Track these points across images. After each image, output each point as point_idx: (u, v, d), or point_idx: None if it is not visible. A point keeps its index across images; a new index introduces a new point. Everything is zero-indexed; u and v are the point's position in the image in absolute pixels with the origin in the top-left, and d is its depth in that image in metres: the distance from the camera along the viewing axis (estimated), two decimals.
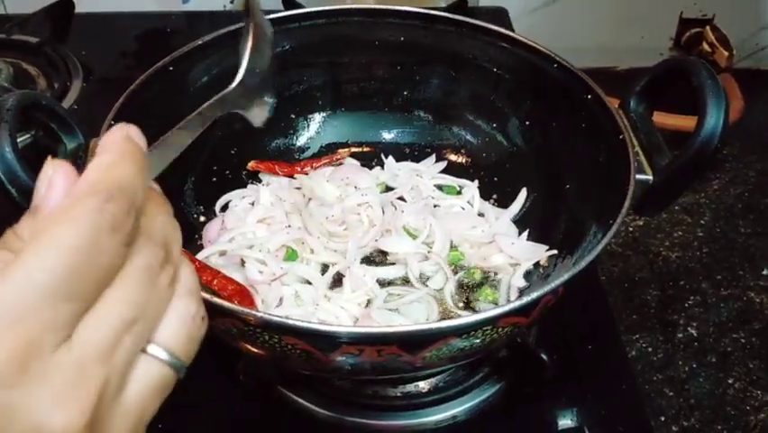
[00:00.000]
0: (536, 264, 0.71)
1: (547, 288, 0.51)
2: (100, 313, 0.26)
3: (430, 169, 0.83)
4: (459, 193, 0.80)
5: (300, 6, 0.90)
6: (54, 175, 0.27)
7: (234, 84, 0.43)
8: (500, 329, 0.52)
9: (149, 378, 0.27)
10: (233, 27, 0.74)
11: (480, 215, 0.78)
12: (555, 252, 0.70)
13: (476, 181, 0.81)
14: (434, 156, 0.84)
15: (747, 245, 0.93)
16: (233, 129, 0.79)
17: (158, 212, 0.30)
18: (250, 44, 0.45)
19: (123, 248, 0.26)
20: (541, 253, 0.71)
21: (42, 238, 0.25)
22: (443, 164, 0.83)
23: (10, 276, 0.24)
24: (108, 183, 0.27)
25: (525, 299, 0.50)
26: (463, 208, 0.79)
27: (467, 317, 0.49)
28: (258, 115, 0.48)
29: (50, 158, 0.28)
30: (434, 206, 0.78)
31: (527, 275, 0.71)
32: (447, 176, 0.82)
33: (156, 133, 0.68)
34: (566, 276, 0.51)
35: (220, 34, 0.74)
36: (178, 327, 0.29)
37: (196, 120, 0.38)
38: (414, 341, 0.50)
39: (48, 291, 0.24)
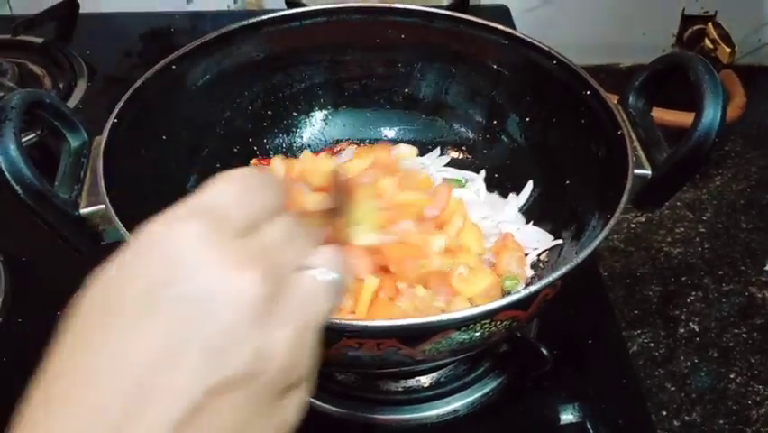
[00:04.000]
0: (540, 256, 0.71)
1: (545, 281, 0.51)
2: (267, 225, 0.32)
3: (435, 162, 0.83)
4: (463, 186, 0.81)
5: (302, 5, 0.90)
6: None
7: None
8: (499, 322, 0.52)
9: (316, 278, 0.32)
10: (236, 26, 0.75)
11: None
12: (561, 241, 0.70)
13: (482, 173, 0.81)
14: (438, 149, 0.84)
15: (749, 241, 0.93)
16: (236, 127, 0.80)
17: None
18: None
19: (280, 199, 0.33)
20: (547, 241, 0.71)
21: (231, 172, 0.33)
22: (446, 158, 0.84)
23: (212, 183, 0.32)
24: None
25: (524, 293, 0.51)
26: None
27: (465, 310, 0.49)
28: None
29: None
30: None
31: (533, 266, 0.71)
32: (452, 168, 0.83)
33: (158, 131, 0.70)
34: (564, 269, 0.52)
35: (223, 33, 0.74)
36: (325, 251, 0.34)
37: None
38: (413, 334, 0.50)
39: (220, 189, 0.32)
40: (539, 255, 0.71)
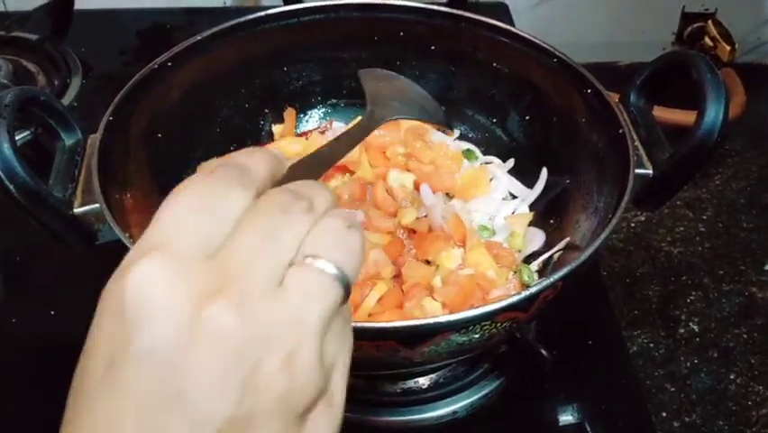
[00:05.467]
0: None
1: (546, 282, 0.50)
2: (235, 235, 0.27)
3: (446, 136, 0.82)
4: (477, 159, 0.80)
5: (299, 1, 0.90)
6: None
7: (366, 109, 0.51)
8: (499, 324, 0.51)
9: (301, 282, 0.27)
10: (233, 22, 0.74)
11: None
12: (564, 243, 0.69)
13: (511, 161, 0.80)
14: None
15: (749, 240, 0.93)
16: (233, 125, 0.79)
17: (300, 181, 0.32)
18: (363, 86, 0.55)
19: (238, 189, 0.29)
20: (540, 238, 0.71)
21: (178, 188, 0.28)
22: (457, 132, 0.83)
23: (158, 213, 0.28)
24: (223, 159, 0.31)
25: (524, 294, 0.50)
26: None
27: (465, 312, 0.49)
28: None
29: None
30: None
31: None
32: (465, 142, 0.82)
33: (154, 128, 0.69)
34: (565, 270, 0.51)
35: (220, 30, 0.73)
36: (322, 234, 0.29)
37: (343, 140, 0.42)
38: (412, 336, 0.50)
39: (180, 212, 0.27)
40: (551, 255, 0.71)
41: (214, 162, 0.29)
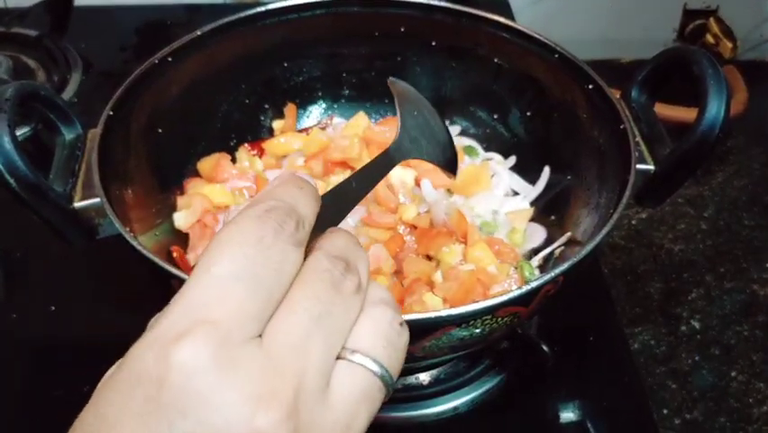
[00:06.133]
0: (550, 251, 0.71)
1: (547, 277, 0.50)
2: (285, 310, 0.26)
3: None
4: (477, 155, 0.80)
5: None
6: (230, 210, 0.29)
7: (396, 138, 0.49)
8: (500, 319, 0.51)
9: (351, 383, 0.27)
10: (232, 18, 0.74)
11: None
12: (566, 238, 0.69)
13: (512, 158, 0.80)
14: (447, 122, 0.83)
15: (751, 238, 0.92)
16: (233, 120, 0.79)
17: (338, 235, 0.30)
18: (398, 111, 0.52)
19: (292, 248, 0.27)
20: (541, 235, 0.71)
21: (213, 242, 0.26)
22: (457, 128, 0.83)
23: (191, 277, 0.25)
24: (268, 196, 0.28)
25: (525, 288, 0.50)
26: None
27: (466, 306, 0.48)
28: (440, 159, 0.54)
29: None
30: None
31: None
32: (465, 138, 0.82)
33: (154, 123, 0.69)
34: (566, 265, 0.51)
35: (220, 25, 0.73)
36: (373, 331, 0.28)
37: (371, 175, 0.41)
38: (413, 330, 0.49)
39: (226, 279, 0.25)
40: (553, 251, 0.71)
41: (261, 193, 0.27)
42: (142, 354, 0.24)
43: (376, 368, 0.27)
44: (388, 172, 0.45)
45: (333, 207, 0.33)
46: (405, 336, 0.29)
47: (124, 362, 0.25)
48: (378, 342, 0.28)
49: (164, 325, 0.24)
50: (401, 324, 0.29)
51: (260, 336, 0.25)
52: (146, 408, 0.23)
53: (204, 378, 0.23)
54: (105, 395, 0.24)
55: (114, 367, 0.26)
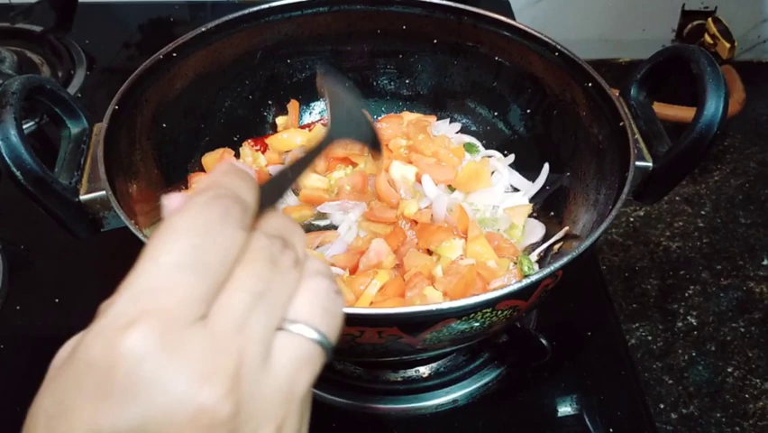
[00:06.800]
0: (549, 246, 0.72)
1: (546, 271, 0.51)
2: (228, 290, 0.27)
3: (448, 129, 0.83)
4: (477, 152, 0.81)
5: None
6: (170, 196, 0.30)
7: (328, 127, 0.50)
8: (500, 312, 0.52)
9: (291, 352, 0.28)
10: (236, 14, 0.74)
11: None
12: (563, 233, 0.70)
13: (511, 156, 0.81)
14: (447, 119, 0.84)
15: (747, 236, 0.93)
16: (236, 116, 0.80)
17: (275, 216, 0.32)
18: (328, 101, 0.53)
19: (238, 232, 0.28)
20: (540, 230, 0.71)
21: (160, 230, 0.27)
22: (457, 125, 0.84)
23: (138, 264, 0.26)
24: (213, 185, 0.29)
25: (524, 282, 0.50)
26: None
27: (467, 299, 0.49)
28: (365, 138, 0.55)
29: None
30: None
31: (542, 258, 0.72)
32: (465, 135, 0.83)
33: (159, 118, 0.69)
34: (565, 260, 0.52)
35: (223, 22, 0.74)
36: (310, 300, 0.29)
37: (304, 160, 0.41)
38: (414, 322, 0.50)
39: (173, 269, 0.26)
40: (551, 246, 0.71)
41: (204, 183, 0.28)
42: (93, 342, 0.25)
43: (315, 335, 0.29)
44: (322, 154, 0.47)
45: (270, 193, 0.35)
46: (340, 302, 0.31)
47: (78, 349, 0.26)
48: (315, 311, 0.29)
49: (112, 313, 0.26)
50: (336, 291, 0.31)
51: (205, 316, 0.27)
52: (99, 393, 0.25)
53: (151, 363, 0.24)
54: (60, 382, 0.26)
55: (66, 348, 0.27)
